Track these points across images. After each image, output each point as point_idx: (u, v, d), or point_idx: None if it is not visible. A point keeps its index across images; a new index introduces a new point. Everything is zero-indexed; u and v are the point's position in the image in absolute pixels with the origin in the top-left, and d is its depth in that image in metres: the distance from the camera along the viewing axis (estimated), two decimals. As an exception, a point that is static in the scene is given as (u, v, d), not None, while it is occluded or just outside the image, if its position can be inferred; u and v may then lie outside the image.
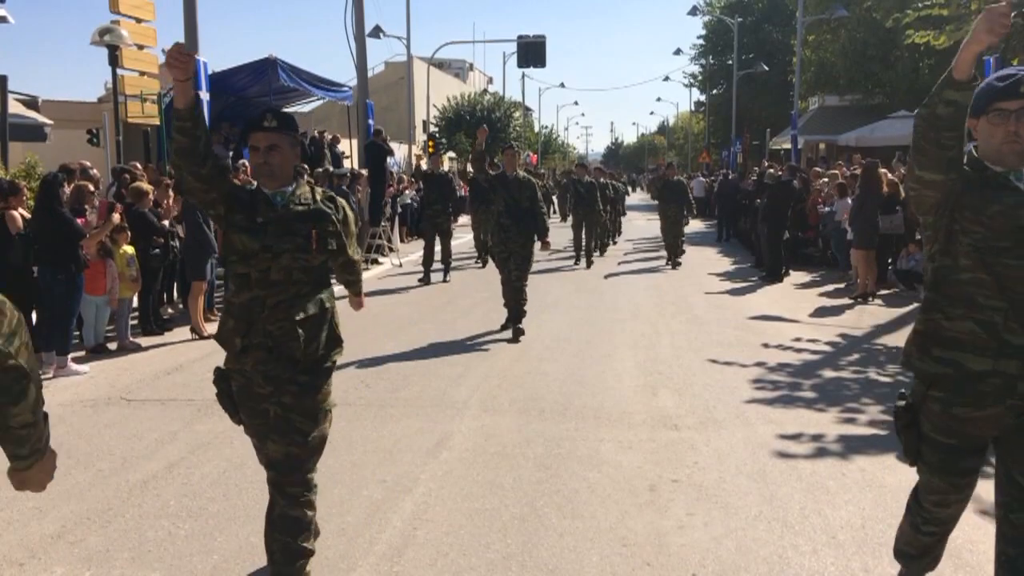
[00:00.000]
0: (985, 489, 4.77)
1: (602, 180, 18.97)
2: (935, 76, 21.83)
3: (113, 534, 4.24)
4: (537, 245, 9.25)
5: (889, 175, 13.19)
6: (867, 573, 3.80)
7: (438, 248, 13.94)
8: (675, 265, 16.06)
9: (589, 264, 16.17)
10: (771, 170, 16.82)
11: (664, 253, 18.27)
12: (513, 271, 9.02)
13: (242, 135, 16.30)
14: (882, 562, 3.89)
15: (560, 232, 21.85)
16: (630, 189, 44.95)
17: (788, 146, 28.78)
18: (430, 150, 31.81)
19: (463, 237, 19.97)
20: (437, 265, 13.87)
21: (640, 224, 28.91)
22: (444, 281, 13.58)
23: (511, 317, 9.18)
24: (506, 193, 8.96)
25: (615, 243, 21.54)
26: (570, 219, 18.24)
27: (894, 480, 4.90)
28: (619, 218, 23.29)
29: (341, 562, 3.92)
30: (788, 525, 4.28)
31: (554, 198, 28.22)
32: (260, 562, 3.91)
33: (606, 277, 14.68)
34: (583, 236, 16.43)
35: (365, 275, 14.43)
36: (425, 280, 13.40)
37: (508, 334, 9.15)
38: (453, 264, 14.55)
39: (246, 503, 4.60)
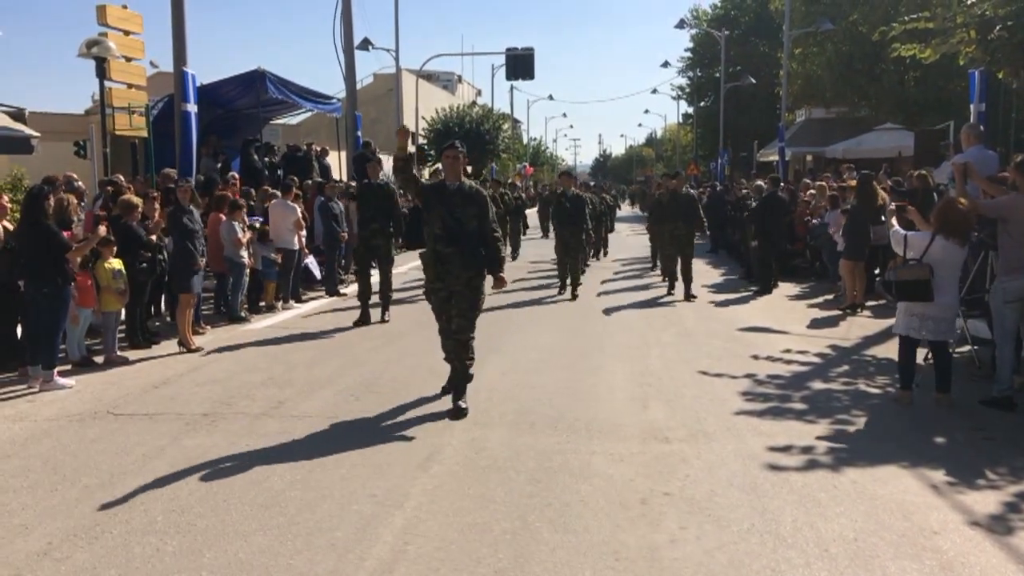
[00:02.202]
0: (973, 499, 4.81)
1: (587, 195, 16.92)
2: (921, 89, 21.92)
3: (100, 551, 4.19)
4: (488, 281, 6.86)
5: (878, 187, 13.23)
6: (860, 586, 3.79)
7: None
8: (688, 297, 13.20)
9: (574, 294, 13.44)
10: (759, 182, 16.88)
11: (648, 271, 18.09)
12: (455, 318, 6.74)
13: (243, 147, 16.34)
14: (875, 575, 3.88)
15: (537, 246, 21.89)
16: (620, 203, 43.63)
17: (775, 158, 28.92)
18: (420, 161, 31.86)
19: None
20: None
21: (625, 237, 28.89)
22: (382, 320, 10.96)
23: (453, 380, 6.94)
24: (444, 209, 6.64)
25: (604, 255, 21.31)
26: (552, 237, 14.97)
27: (885, 492, 4.90)
28: (607, 234, 22.21)
29: (331, 578, 3.89)
30: (780, 538, 4.27)
31: (528, 212, 27.77)
32: (249, 579, 3.88)
33: (596, 294, 14.65)
34: (568, 260, 13.76)
35: (353, 287, 14.36)
36: (362, 320, 10.82)
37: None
38: (405, 296, 12.82)
39: (235, 519, 4.55)
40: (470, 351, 6.82)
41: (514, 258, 20.12)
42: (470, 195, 6.72)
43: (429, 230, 6.71)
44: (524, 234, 23.31)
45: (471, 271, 6.65)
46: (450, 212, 6.60)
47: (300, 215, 12.37)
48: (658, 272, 16.21)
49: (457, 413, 6.54)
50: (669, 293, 13.69)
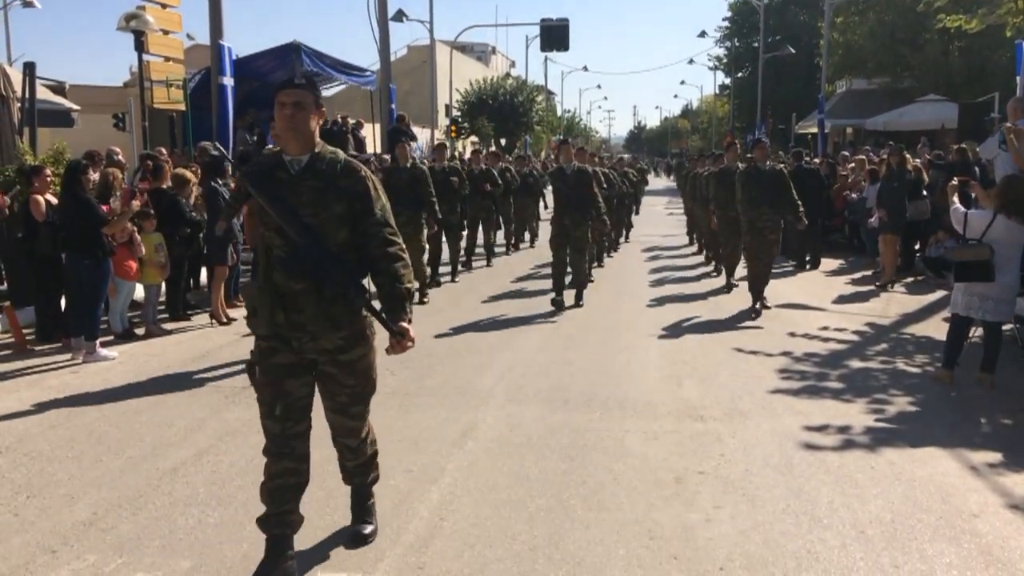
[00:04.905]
0: (1013, 481, 4.75)
1: (603, 170, 14.24)
2: (965, 59, 21.53)
3: (144, 521, 4.29)
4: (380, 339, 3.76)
5: (915, 161, 13.00)
6: (897, 569, 3.77)
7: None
8: (756, 313, 9.76)
9: (578, 299, 10.35)
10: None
11: (685, 249, 17.83)
12: (331, 413, 3.91)
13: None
14: (912, 558, 3.86)
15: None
16: (647, 178, 39.18)
17: (814, 130, 28.46)
18: (452, 134, 31.83)
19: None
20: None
21: (666, 215, 28.56)
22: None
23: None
24: (283, 207, 3.52)
25: (626, 240, 18.38)
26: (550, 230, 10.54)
27: (924, 473, 4.86)
28: (630, 216, 19.41)
29: (369, 552, 3.95)
30: (816, 519, 4.26)
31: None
32: (289, 552, 3.95)
33: (629, 272, 14.58)
34: (567, 256, 10.22)
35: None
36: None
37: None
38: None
39: (274, 492, 4.62)
40: (371, 471, 4.12)
41: (513, 247, 17.09)
42: (335, 176, 3.58)
43: (261, 248, 3.73)
44: (540, 217, 18.86)
45: (342, 329, 3.62)
46: (291, 211, 3.50)
47: None
48: (720, 277, 12.52)
49: None
50: (753, 311, 9.81)
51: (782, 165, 10.36)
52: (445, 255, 12.45)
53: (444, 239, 11.96)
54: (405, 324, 3.56)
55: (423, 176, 10.29)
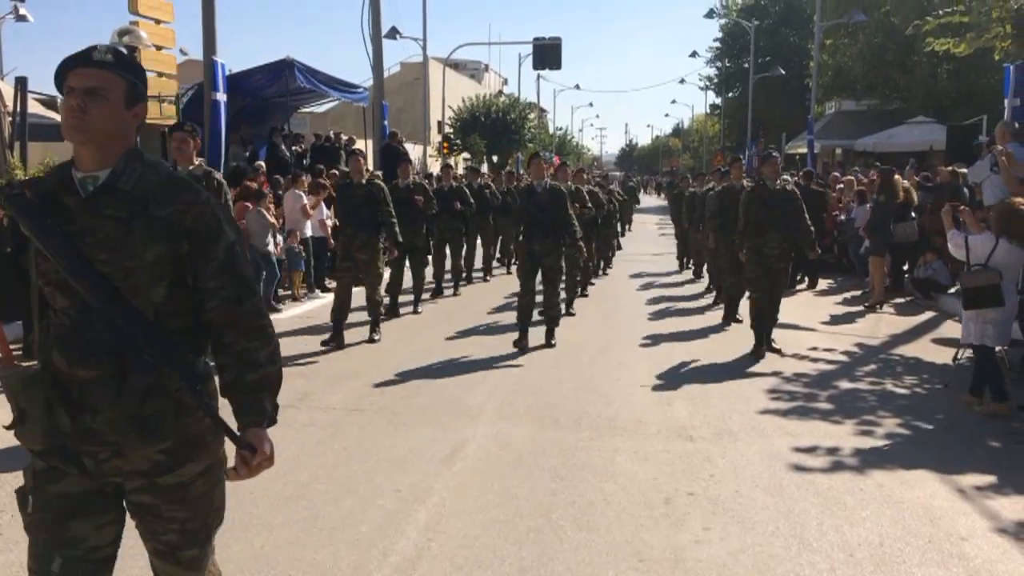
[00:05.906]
0: (1001, 504, 4.75)
1: (588, 188, 12.72)
2: (953, 82, 21.67)
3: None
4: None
5: (904, 182, 13.08)
6: (885, 593, 3.76)
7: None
8: (768, 348, 8.63)
9: (550, 338, 9.02)
10: (786, 177, 16.71)
11: (680, 273, 17.83)
12: (154, 558, 2.62)
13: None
14: (900, 581, 3.86)
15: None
16: (639, 197, 35.51)
17: (804, 151, 28.63)
18: (444, 150, 31.88)
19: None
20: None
21: (649, 231, 28.60)
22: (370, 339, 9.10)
23: None
24: (58, 248, 2.31)
25: (605, 272, 15.98)
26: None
27: (913, 496, 4.86)
28: (613, 241, 17.06)
29: (355, 574, 3.92)
30: (805, 542, 4.25)
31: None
32: (275, 573, 3.92)
33: (618, 287, 14.59)
34: (536, 290, 8.94)
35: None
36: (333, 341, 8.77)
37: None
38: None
39: (261, 512, 4.60)
40: None
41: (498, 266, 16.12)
42: (147, 200, 2.32)
43: (36, 313, 2.68)
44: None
45: (163, 438, 2.35)
46: (78, 255, 2.30)
47: (306, 202, 12.15)
48: (719, 309, 11.22)
49: None
50: (757, 354, 8.49)
51: (792, 185, 9.27)
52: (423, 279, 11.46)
53: (408, 264, 10.67)
54: (259, 431, 2.33)
55: (381, 194, 8.92)
